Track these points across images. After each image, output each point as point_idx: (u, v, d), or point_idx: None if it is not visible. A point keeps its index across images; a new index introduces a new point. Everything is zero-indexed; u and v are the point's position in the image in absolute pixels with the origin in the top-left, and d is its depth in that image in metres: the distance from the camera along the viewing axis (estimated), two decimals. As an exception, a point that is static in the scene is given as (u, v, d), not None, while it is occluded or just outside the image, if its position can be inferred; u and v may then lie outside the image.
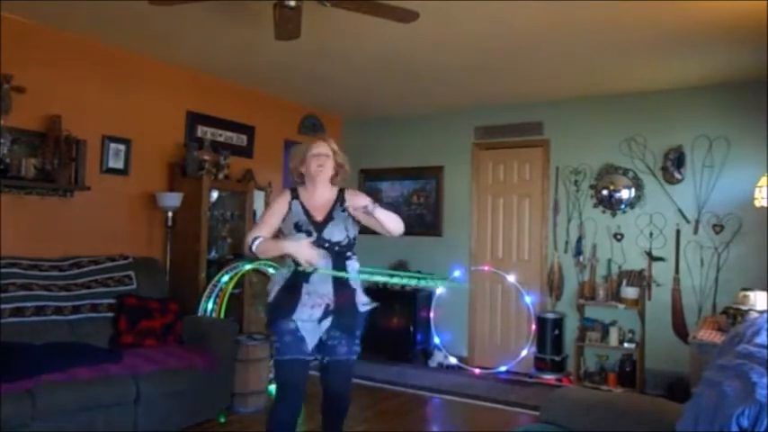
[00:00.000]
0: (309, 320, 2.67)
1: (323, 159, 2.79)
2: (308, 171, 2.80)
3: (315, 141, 2.85)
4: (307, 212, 2.78)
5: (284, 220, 2.80)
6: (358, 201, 2.75)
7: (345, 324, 2.74)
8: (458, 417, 4.46)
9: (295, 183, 2.91)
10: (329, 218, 2.77)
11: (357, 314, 2.78)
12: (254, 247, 2.70)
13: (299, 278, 2.69)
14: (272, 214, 2.81)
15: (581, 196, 5.43)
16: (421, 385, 4.98)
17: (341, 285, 2.73)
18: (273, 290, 2.78)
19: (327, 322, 2.71)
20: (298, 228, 2.75)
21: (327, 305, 2.69)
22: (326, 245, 2.72)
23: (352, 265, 2.81)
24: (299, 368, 2.69)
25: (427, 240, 6.14)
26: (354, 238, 2.84)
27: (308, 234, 2.71)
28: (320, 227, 2.74)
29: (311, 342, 2.69)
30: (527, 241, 5.76)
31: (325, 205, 2.81)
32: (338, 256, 2.74)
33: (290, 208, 2.79)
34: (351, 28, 3.79)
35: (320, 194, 2.82)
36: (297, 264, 2.66)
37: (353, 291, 2.78)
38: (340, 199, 2.82)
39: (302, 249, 2.63)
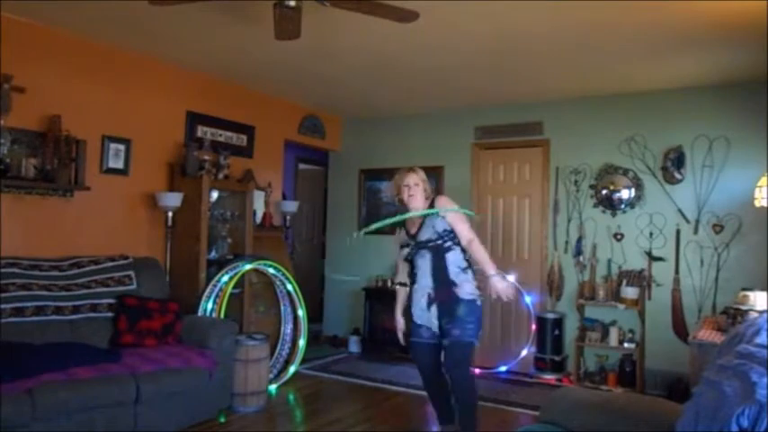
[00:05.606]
0: (420, 309, 3.40)
1: (413, 189, 3.42)
2: (402, 197, 3.45)
3: (407, 173, 3.46)
4: (407, 232, 3.46)
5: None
6: (450, 212, 3.37)
7: (451, 310, 3.32)
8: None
9: (399, 205, 3.57)
10: (420, 226, 3.39)
11: (460, 302, 3.32)
12: (396, 288, 3.68)
13: (411, 283, 3.48)
14: (398, 257, 3.58)
15: (581, 196, 5.42)
16: (421, 385, 4.95)
17: (439, 278, 3.34)
18: None
19: (435, 309, 3.35)
20: (402, 246, 3.48)
21: (429, 294, 3.36)
22: (422, 245, 3.35)
23: (451, 257, 3.34)
24: (418, 348, 3.47)
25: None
26: (445, 231, 3.35)
27: (409, 247, 3.42)
28: (414, 236, 3.39)
29: (428, 326, 3.39)
30: (527, 241, 5.76)
31: (419, 219, 3.41)
32: (434, 250, 3.34)
33: (399, 235, 3.53)
34: (351, 28, 3.79)
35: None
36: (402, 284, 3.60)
37: (453, 282, 3.33)
38: (430, 208, 3.42)
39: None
